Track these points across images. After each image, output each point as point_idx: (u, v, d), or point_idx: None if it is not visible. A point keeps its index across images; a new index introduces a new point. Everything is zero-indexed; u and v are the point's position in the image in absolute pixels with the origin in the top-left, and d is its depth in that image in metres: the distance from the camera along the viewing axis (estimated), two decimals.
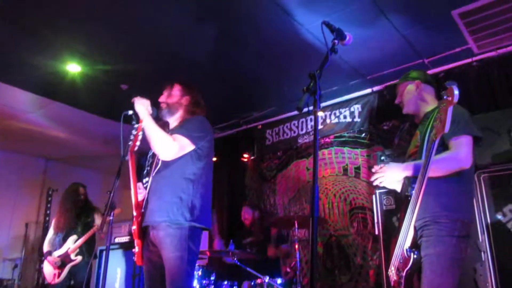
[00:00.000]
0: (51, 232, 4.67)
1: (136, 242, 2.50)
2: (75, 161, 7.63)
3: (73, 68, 4.31)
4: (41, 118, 5.70)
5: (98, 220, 4.69)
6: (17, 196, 7.07)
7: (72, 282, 4.50)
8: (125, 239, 5.25)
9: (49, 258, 4.47)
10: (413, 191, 2.06)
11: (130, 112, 2.56)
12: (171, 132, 2.61)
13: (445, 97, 1.93)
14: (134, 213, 2.54)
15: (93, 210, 4.81)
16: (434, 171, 2.06)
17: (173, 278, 2.34)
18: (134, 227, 2.50)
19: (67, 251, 4.44)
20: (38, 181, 7.41)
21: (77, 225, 4.60)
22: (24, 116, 5.63)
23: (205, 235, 5.61)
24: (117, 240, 5.28)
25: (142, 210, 2.55)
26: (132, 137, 2.40)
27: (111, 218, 2.47)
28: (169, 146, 2.46)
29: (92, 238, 4.63)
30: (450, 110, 1.89)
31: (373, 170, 2.32)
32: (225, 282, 3.89)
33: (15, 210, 6.99)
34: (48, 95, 4.99)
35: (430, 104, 2.42)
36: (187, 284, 2.40)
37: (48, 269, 4.48)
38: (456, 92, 1.87)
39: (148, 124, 2.48)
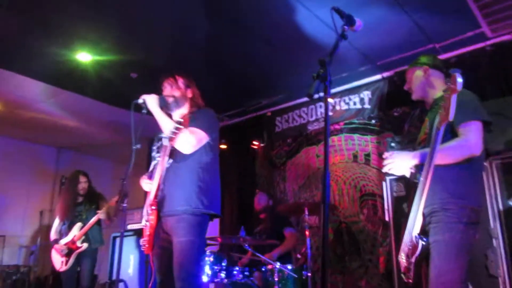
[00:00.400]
0: (57, 221, 4.70)
1: (151, 231, 2.53)
2: (86, 149, 7.72)
3: (83, 57, 4.33)
4: (52, 107, 5.76)
5: (102, 207, 4.68)
6: (30, 184, 7.19)
7: (79, 269, 4.52)
8: (138, 226, 5.32)
9: (56, 246, 4.51)
10: (421, 179, 2.06)
11: (140, 100, 2.58)
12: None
13: (448, 83, 1.91)
14: (150, 203, 2.55)
15: (98, 197, 4.81)
16: (444, 159, 2.05)
17: (182, 262, 2.38)
18: (152, 217, 2.51)
19: (73, 239, 4.46)
20: (51, 170, 7.54)
21: (81, 213, 4.61)
22: (35, 106, 5.70)
23: (215, 221, 5.68)
24: (130, 227, 5.36)
25: (157, 200, 2.57)
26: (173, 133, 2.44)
27: (124, 205, 2.50)
28: (189, 140, 2.51)
29: (98, 225, 4.64)
30: (454, 98, 1.87)
31: (383, 156, 2.33)
32: (237, 268, 3.94)
33: (29, 199, 7.12)
34: (58, 84, 5.03)
35: (439, 90, 2.38)
36: (196, 269, 2.44)
37: (56, 257, 4.52)
38: (460, 80, 1.85)
39: (164, 120, 2.55)
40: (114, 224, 5.00)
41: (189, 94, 2.79)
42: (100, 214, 4.50)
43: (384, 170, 2.31)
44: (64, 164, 7.49)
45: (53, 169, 7.55)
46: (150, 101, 2.58)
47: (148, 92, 2.65)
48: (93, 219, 4.50)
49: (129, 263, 5.07)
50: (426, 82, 2.42)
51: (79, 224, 4.51)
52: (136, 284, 4.93)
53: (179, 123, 2.43)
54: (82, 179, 4.75)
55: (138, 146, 2.58)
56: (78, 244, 4.44)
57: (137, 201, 6.91)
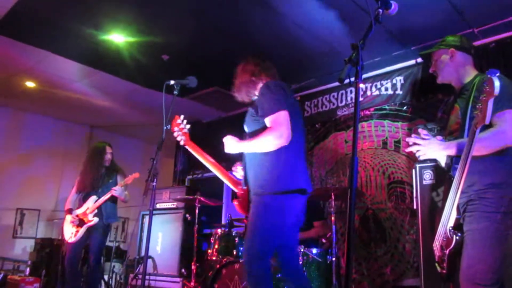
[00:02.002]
0: (73, 191, 4.55)
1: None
2: (118, 129, 7.91)
3: (116, 38, 4.41)
4: (86, 87, 5.91)
5: (119, 182, 4.46)
6: (64, 161, 7.45)
7: (89, 243, 4.36)
8: (166, 205, 5.44)
9: (68, 216, 4.37)
10: (456, 172, 2.02)
11: (172, 82, 2.62)
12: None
13: (485, 86, 1.82)
14: (236, 191, 2.64)
15: (117, 171, 4.59)
16: (478, 150, 1.99)
17: (246, 243, 2.43)
18: (236, 203, 2.60)
19: (85, 211, 4.31)
20: (84, 148, 7.75)
21: (98, 186, 4.43)
22: (70, 85, 5.86)
23: None
24: (158, 206, 5.48)
25: (244, 187, 2.59)
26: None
27: (154, 184, 2.57)
28: (271, 143, 2.36)
29: (113, 201, 4.46)
30: (491, 102, 1.80)
31: (412, 136, 2.19)
32: None
33: (63, 175, 7.39)
34: (92, 64, 5.15)
35: (467, 74, 2.29)
36: (252, 249, 2.38)
37: (66, 227, 4.37)
38: (497, 83, 1.76)
39: (247, 148, 2.49)
40: (143, 203, 5.08)
41: (240, 79, 2.65)
42: (114, 191, 4.27)
43: (410, 149, 2.20)
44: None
45: (86, 147, 7.77)
46: (227, 145, 2.50)
47: (178, 74, 2.68)
48: (107, 194, 4.31)
49: (158, 241, 5.21)
50: (453, 66, 2.32)
51: (93, 197, 4.36)
52: (163, 261, 5.07)
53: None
54: (109, 150, 4.57)
55: (168, 126, 2.62)
56: (90, 217, 4.28)
57: (166, 181, 7.08)
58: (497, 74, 1.80)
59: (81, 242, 4.31)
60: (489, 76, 1.81)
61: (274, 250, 2.47)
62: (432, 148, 2.16)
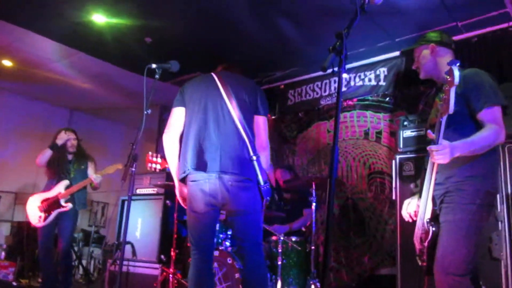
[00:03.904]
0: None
1: None
2: (99, 112, 7.77)
3: (98, 18, 4.30)
4: (66, 68, 5.77)
5: (91, 169, 4.44)
6: (42, 144, 7.24)
7: (58, 230, 4.24)
8: (146, 190, 5.38)
9: (33, 197, 4.26)
10: (428, 164, 2.05)
11: (154, 65, 2.57)
12: None
13: (446, 75, 1.87)
14: None
15: (87, 158, 4.50)
16: (480, 150, 2.00)
17: None
18: None
19: (57, 195, 4.16)
20: None
21: (69, 171, 4.31)
22: (50, 65, 5.71)
23: None
24: (138, 191, 5.42)
25: None
26: None
27: (133, 169, 2.53)
28: None
29: (84, 187, 4.35)
30: (452, 91, 1.84)
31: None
32: None
33: None
34: (73, 45, 5.03)
35: (448, 68, 2.34)
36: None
37: (32, 210, 4.21)
38: (457, 73, 1.81)
39: None
40: (123, 188, 5.02)
41: None
42: (94, 177, 4.20)
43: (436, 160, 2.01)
44: (76, 126, 7.46)
45: None
46: None
47: (161, 58, 2.64)
48: (84, 181, 4.23)
49: (137, 226, 5.16)
50: (434, 61, 2.35)
51: (65, 182, 4.22)
52: (143, 246, 5.03)
53: None
54: (71, 135, 4.43)
55: (149, 111, 2.58)
56: (62, 203, 4.14)
57: (144, 167, 6.99)
58: (458, 64, 1.85)
59: (51, 227, 4.18)
60: (449, 66, 1.85)
61: (198, 238, 2.54)
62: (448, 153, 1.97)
